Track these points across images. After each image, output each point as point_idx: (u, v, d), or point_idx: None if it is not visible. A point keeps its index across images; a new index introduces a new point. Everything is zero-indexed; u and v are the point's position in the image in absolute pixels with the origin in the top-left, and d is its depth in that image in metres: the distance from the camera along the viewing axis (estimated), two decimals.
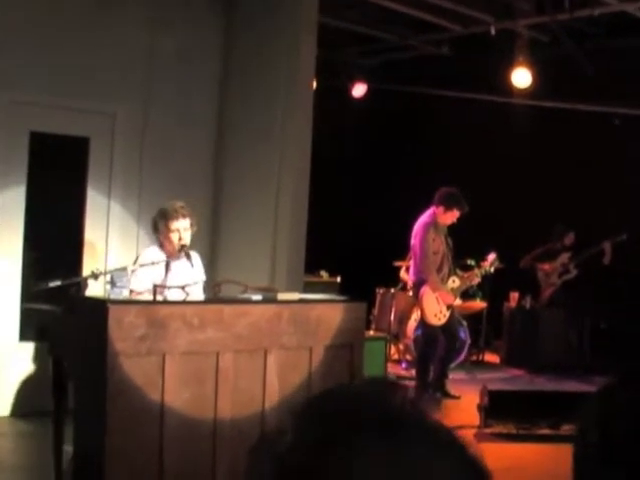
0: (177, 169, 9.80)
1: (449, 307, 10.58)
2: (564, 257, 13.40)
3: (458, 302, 11.05)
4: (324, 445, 1.09)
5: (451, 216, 10.43)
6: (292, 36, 9.39)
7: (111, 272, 6.98)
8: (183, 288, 6.66)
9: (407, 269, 11.68)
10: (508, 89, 13.36)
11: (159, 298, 6.49)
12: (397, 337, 12.83)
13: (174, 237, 7.08)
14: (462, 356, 12.34)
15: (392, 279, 13.03)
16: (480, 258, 11.09)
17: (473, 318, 13.12)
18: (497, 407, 8.95)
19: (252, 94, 9.78)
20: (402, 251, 11.86)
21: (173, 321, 5.92)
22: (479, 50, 13.89)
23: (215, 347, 6.12)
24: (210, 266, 7.57)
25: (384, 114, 15.56)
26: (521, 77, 13.11)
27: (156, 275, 7.02)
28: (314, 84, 9.83)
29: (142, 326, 5.77)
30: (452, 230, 10.67)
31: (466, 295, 12.16)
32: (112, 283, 6.72)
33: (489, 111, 14.11)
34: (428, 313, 10.48)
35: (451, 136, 14.95)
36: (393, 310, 12.75)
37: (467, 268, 11.18)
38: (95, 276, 7.01)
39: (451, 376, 11.13)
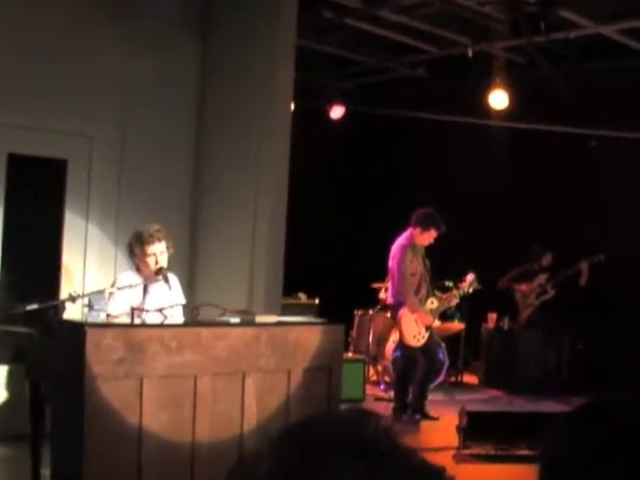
0: (154, 192, 9.79)
1: (428, 328, 10.58)
2: (541, 278, 13.44)
3: (437, 323, 11.05)
4: (301, 472, 1.09)
5: (428, 237, 10.45)
6: (269, 60, 9.41)
7: (89, 295, 6.98)
8: (161, 311, 6.64)
9: (385, 290, 11.69)
10: (485, 111, 13.44)
11: (137, 321, 6.47)
12: (375, 359, 12.82)
13: (151, 261, 7.05)
14: (441, 377, 12.34)
15: (370, 301, 13.04)
16: (458, 279, 11.11)
17: (451, 339, 13.13)
18: (476, 428, 8.94)
19: (230, 118, 9.79)
20: (380, 273, 11.86)
21: (151, 344, 5.91)
22: (456, 72, 13.97)
23: (193, 370, 6.11)
24: (188, 289, 7.55)
25: (362, 136, 15.62)
26: (498, 99, 13.20)
27: (134, 298, 6.99)
28: (292, 107, 9.85)
29: (120, 349, 5.76)
30: (430, 251, 10.69)
31: (444, 316, 12.16)
32: (90, 306, 6.71)
33: (466, 133, 14.18)
34: (407, 334, 10.48)
35: (428, 158, 14.99)
36: (371, 332, 12.75)
37: (445, 289, 11.19)
38: (72, 299, 6.98)
39: (430, 397, 11.11)
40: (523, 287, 13.54)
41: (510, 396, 12.57)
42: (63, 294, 8.57)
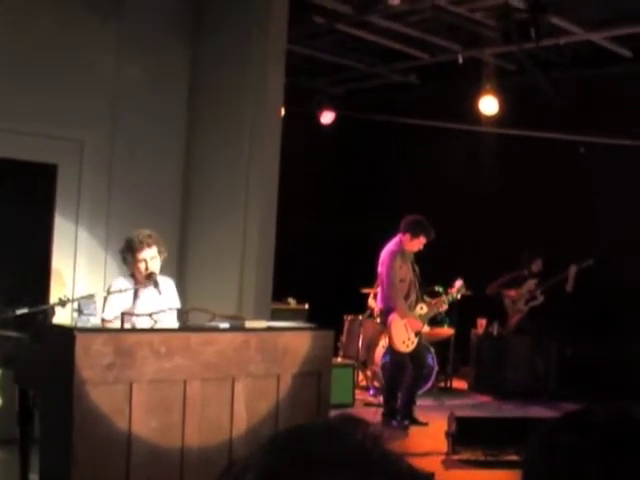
0: (145, 197, 9.79)
1: (417, 334, 10.59)
2: (530, 284, 13.46)
3: (426, 329, 11.06)
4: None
5: (418, 243, 10.46)
6: (260, 65, 9.42)
7: (78, 300, 6.95)
8: (150, 316, 6.64)
9: (375, 296, 11.69)
10: (475, 117, 13.47)
11: (127, 326, 6.47)
12: (365, 364, 12.83)
13: (141, 266, 7.07)
14: (430, 383, 12.35)
15: (360, 306, 13.05)
16: (447, 285, 11.12)
17: (440, 345, 13.14)
18: (465, 434, 8.95)
19: (220, 123, 9.80)
20: (370, 278, 11.87)
21: (140, 349, 5.91)
22: (446, 78, 14.01)
23: (182, 375, 6.11)
24: (178, 294, 7.54)
25: (352, 142, 15.65)
26: (488, 105, 13.23)
27: (125, 303, 7.01)
28: (282, 112, 9.86)
29: (109, 354, 5.76)
30: (419, 257, 10.70)
31: (434, 322, 12.18)
32: (79, 311, 6.68)
33: (456, 139, 14.21)
34: (396, 340, 10.49)
35: (418, 164, 15.02)
36: (361, 337, 12.76)
37: (435, 295, 11.21)
38: (62, 303, 6.98)
39: (419, 403, 11.12)
40: (512, 293, 13.56)
41: (499, 401, 12.59)
42: (53, 298, 8.55)
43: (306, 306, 13.51)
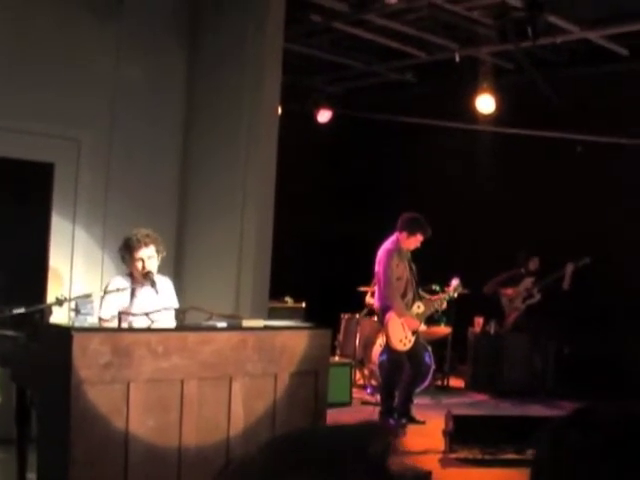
0: (142, 196, 9.79)
1: (414, 332, 10.59)
2: (527, 282, 13.47)
3: (423, 327, 11.07)
4: None
5: (415, 241, 10.46)
6: (257, 64, 9.40)
7: (75, 299, 6.95)
8: (147, 315, 6.64)
9: (372, 294, 11.69)
10: (472, 115, 13.48)
11: (124, 325, 6.47)
12: (362, 362, 12.84)
13: (139, 265, 7.09)
14: (427, 381, 12.36)
15: (357, 304, 13.05)
16: (444, 284, 11.13)
17: (438, 343, 13.15)
18: (462, 432, 8.96)
19: (217, 122, 9.79)
20: (367, 276, 11.87)
21: (138, 348, 5.91)
22: (443, 77, 14.02)
23: (180, 375, 6.11)
24: (175, 293, 7.54)
25: (349, 140, 15.64)
26: (485, 104, 13.24)
27: (122, 303, 7.02)
28: (279, 111, 9.85)
29: (106, 354, 5.76)
30: (416, 256, 10.69)
31: (431, 320, 12.19)
32: (76, 310, 6.68)
33: (453, 137, 14.21)
34: (393, 339, 10.49)
35: (415, 162, 15.02)
36: (358, 335, 12.76)
37: (431, 293, 11.22)
38: (59, 303, 6.97)
39: (416, 401, 11.12)
40: (509, 291, 13.58)
41: (496, 400, 12.60)
42: (50, 298, 8.56)
43: (303, 304, 13.51)
